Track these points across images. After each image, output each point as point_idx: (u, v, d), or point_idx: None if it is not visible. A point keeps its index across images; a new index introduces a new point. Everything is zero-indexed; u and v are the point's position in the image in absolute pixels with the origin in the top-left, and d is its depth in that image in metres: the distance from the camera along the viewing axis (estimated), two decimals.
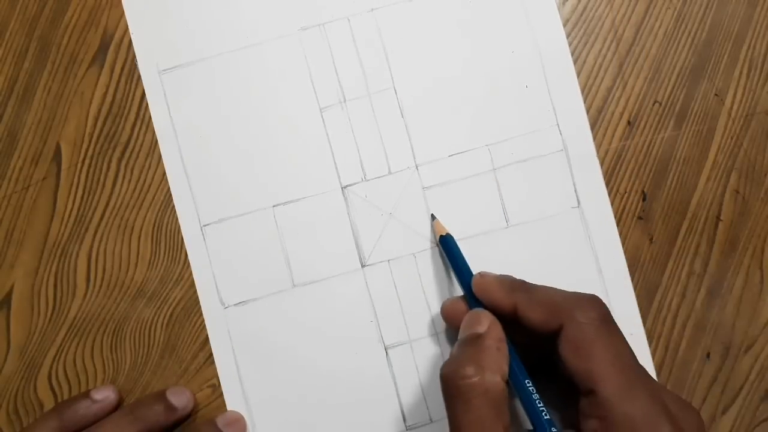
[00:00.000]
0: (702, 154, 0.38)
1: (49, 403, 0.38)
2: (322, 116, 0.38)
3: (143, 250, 0.38)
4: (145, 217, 0.38)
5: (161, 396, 0.37)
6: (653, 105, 0.38)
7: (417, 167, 0.38)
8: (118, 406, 0.37)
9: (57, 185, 0.38)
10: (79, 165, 0.38)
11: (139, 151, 0.38)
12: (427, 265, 0.38)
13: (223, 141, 0.38)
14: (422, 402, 0.37)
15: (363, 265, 0.38)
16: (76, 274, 0.38)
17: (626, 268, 0.38)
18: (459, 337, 0.33)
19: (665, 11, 0.38)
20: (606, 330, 0.31)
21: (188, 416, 0.37)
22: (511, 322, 0.32)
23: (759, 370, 0.38)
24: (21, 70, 0.38)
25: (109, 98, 0.38)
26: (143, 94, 0.38)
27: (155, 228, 0.38)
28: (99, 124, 0.38)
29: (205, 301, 0.38)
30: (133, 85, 0.38)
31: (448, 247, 0.36)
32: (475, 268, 0.36)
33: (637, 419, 0.28)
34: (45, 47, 0.39)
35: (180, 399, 0.37)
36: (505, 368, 0.31)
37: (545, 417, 0.31)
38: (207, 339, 0.38)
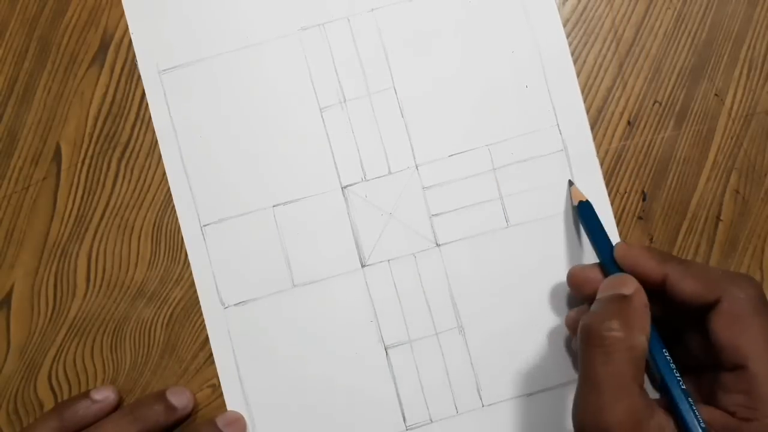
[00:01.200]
0: (702, 154, 0.38)
1: (49, 403, 0.38)
2: (322, 116, 0.38)
3: (143, 250, 0.38)
4: (145, 217, 0.38)
5: (161, 396, 0.37)
6: (653, 105, 0.38)
7: (417, 167, 0.38)
8: (117, 406, 0.37)
9: (57, 185, 0.38)
10: (79, 165, 0.38)
11: (139, 151, 0.38)
12: (426, 265, 0.38)
13: (223, 141, 0.38)
14: (422, 402, 0.37)
15: (363, 265, 0.38)
16: (76, 274, 0.38)
17: None
18: (599, 297, 0.32)
19: (665, 11, 0.38)
20: (763, 308, 0.31)
21: (188, 416, 0.37)
22: (652, 293, 0.32)
23: None
24: (21, 70, 0.38)
25: (109, 98, 0.38)
26: (143, 94, 0.38)
27: (155, 228, 0.38)
28: (99, 124, 0.38)
29: (205, 301, 0.38)
30: (133, 85, 0.38)
31: (586, 215, 0.36)
32: (477, 269, 0.36)
33: None
34: (45, 47, 0.39)
35: (180, 399, 0.37)
36: (649, 330, 0.31)
37: (682, 387, 0.31)
38: (207, 339, 0.38)
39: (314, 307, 0.37)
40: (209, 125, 0.38)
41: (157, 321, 0.38)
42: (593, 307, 0.32)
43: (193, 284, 0.38)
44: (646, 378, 0.32)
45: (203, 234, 0.38)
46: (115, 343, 0.38)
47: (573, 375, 0.37)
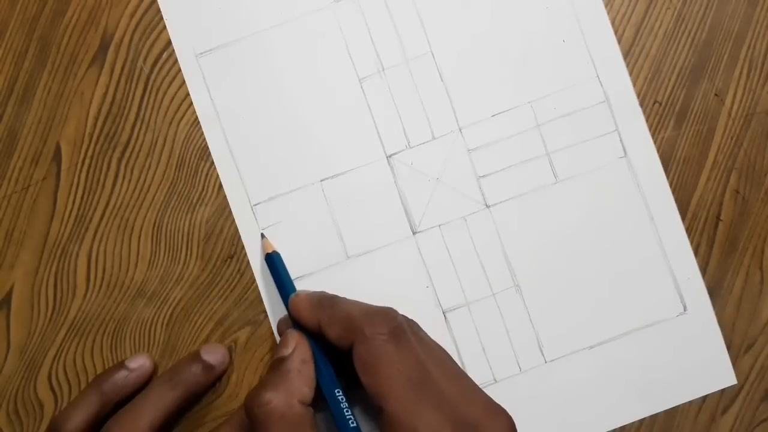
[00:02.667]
0: (702, 154, 0.38)
1: (49, 404, 0.38)
2: (361, 87, 0.38)
3: (143, 250, 0.38)
4: (145, 217, 0.38)
5: (197, 357, 0.37)
6: (653, 105, 0.38)
7: (461, 130, 0.38)
8: (154, 372, 0.37)
9: (57, 185, 0.38)
10: (79, 165, 0.38)
11: (139, 151, 0.38)
12: (477, 227, 0.38)
13: (266, 120, 0.38)
14: (485, 362, 0.37)
15: (414, 232, 0.38)
16: (76, 274, 0.38)
17: (677, 211, 0.38)
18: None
19: (665, 11, 0.38)
20: (393, 344, 0.31)
21: (224, 372, 0.37)
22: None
23: (759, 370, 0.38)
24: (21, 70, 0.38)
25: (109, 98, 0.38)
26: (143, 94, 0.38)
27: (155, 228, 0.38)
28: (99, 124, 0.38)
29: (261, 279, 0.38)
30: (133, 85, 0.38)
31: (272, 266, 0.37)
32: (528, 227, 0.37)
33: None
34: (45, 47, 0.39)
35: (215, 356, 0.37)
36: (305, 390, 0.32)
37: (352, 425, 0.31)
38: (206, 340, 0.38)
39: (369, 277, 0.38)
40: (250, 105, 0.38)
41: (157, 321, 0.38)
42: None
43: (192, 284, 0.38)
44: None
45: (254, 213, 0.38)
46: (115, 343, 0.38)
47: (632, 324, 0.37)
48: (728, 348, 0.38)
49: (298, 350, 0.33)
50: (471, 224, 0.38)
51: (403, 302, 0.38)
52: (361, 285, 0.38)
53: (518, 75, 0.38)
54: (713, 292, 0.38)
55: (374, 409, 0.31)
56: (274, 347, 0.37)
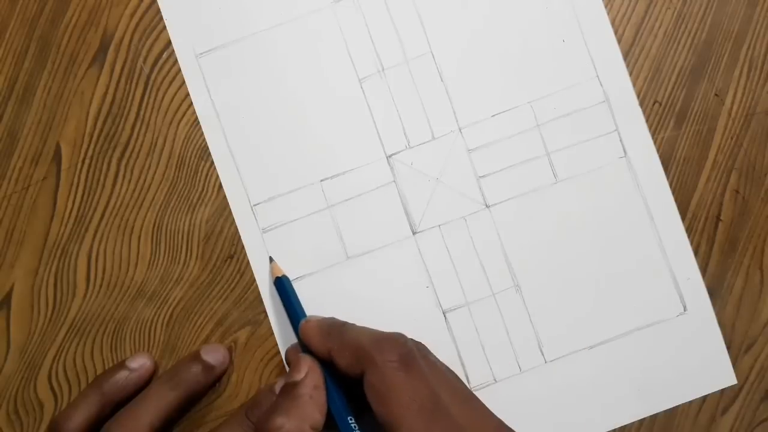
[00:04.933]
0: (702, 154, 0.38)
1: (49, 404, 0.38)
2: (361, 87, 0.38)
3: (143, 250, 0.38)
4: (145, 217, 0.38)
5: (197, 357, 0.37)
6: (653, 105, 0.38)
7: (460, 130, 0.38)
8: (155, 372, 0.37)
9: (57, 185, 0.38)
10: (79, 165, 0.38)
11: (139, 151, 0.38)
12: (477, 226, 0.38)
13: (266, 120, 0.38)
14: (485, 362, 0.37)
15: (414, 232, 0.38)
16: (76, 274, 0.38)
17: (677, 211, 0.38)
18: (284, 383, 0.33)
19: (665, 11, 0.38)
20: (404, 372, 0.31)
21: (225, 372, 0.37)
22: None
23: (759, 370, 0.38)
24: (21, 70, 0.38)
25: (109, 98, 0.38)
26: (143, 94, 0.38)
27: (155, 228, 0.38)
28: (99, 124, 0.38)
29: (261, 279, 0.38)
30: (133, 85, 0.38)
31: (281, 290, 0.37)
32: (528, 227, 0.37)
33: None
34: (45, 47, 0.38)
35: (215, 356, 0.37)
36: (317, 416, 0.31)
37: None
38: (206, 340, 0.38)
39: (369, 277, 0.38)
40: (250, 105, 0.38)
41: (157, 321, 0.38)
42: None
43: (192, 284, 0.38)
44: None
45: (254, 213, 0.38)
46: (115, 343, 0.38)
47: (632, 324, 0.38)
48: (728, 348, 0.38)
49: (310, 376, 0.33)
50: (471, 224, 0.38)
51: (403, 302, 0.38)
52: (361, 285, 0.38)
53: (518, 75, 0.38)
54: (713, 292, 0.38)
55: None
56: (284, 373, 0.36)
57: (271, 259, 0.38)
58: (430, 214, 0.38)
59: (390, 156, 0.38)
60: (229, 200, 0.38)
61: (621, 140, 0.38)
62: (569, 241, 0.38)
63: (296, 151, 0.38)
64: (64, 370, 0.38)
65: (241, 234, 0.38)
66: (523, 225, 0.38)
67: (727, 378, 0.38)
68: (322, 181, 0.38)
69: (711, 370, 0.38)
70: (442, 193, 0.38)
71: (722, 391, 0.38)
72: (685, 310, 0.38)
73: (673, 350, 0.38)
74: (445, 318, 0.38)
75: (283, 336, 0.38)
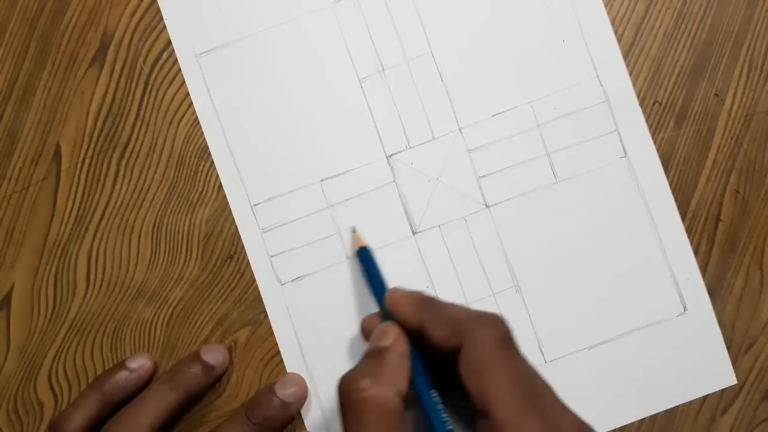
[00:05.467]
0: (702, 154, 0.38)
1: (49, 404, 0.38)
2: (361, 87, 0.38)
3: (143, 250, 0.38)
4: (145, 217, 0.38)
5: (197, 357, 0.37)
6: (653, 105, 0.38)
7: (460, 130, 0.38)
8: (155, 372, 0.37)
9: (57, 185, 0.38)
10: (79, 165, 0.38)
11: (139, 151, 0.38)
12: (477, 227, 0.38)
13: (266, 120, 0.38)
14: None
15: (414, 232, 0.38)
16: (76, 274, 0.38)
17: (677, 211, 0.38)
18: (366, 350, 0.32)
19: (665, 11, 0.38)
20: (503, 350, 0.30)
21: (224, 373, 0.37)
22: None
23: (759, 370, 0.38)
24: (21, 70, 0.38)
25: (109, 98, 0.38)
26: (143, 94, 0.38)
27: (155, 228, 0.38)
28: (99, 124, 0.38)
29: (261, 279, 0.38)
30: (133, 85, 0.38)
31: (365, 260, 0.36)
32: (528, 227, 0.37)
33: None
34: (45, 47, 0.38)
35: (215, 356, 0.37)
36: (403, 384, 0.31)
37: (447, 428, 0.30)
38: (206, 340, 0.38)
39: None
40: (250, 105, 0.38)
41: (157, 321, 0.38)
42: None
43: (192, 284, 0.38)
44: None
45: (254, 213, 0.38)
46: (115, 343, 0.38)
47: (632, 324, 0.38)
48: (728, 348, 0.38)
49: (397, 343, 0.32)
50: (471, 224, 0.38)
51: None
52: (361, 285, 0.38)
53: (518, 75, 0.38)
54: (713, 292, 0.38)
55: (477, 415, 0.29)
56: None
57: (354, 230, 0.38)
58: (430, 214, 0.38)
59: (390, 156, 0.38)
60: (229, 200, 0.38)
61: (621, 140, 0.38)
62: (569, 241, 0.38)
63: (296, 151, 0.38)
64: (64, 370, 0.38)
65: (241, 234, 0.38)
66: (523, 225, 0.38)
67: (727, 378, 0.38)
68: (322, 181, 0.38)
69: (711, 370, 0.38)
70: (442, 193, 0.38)
71: (722, 391, 0.38)
72: (685, 310, 0.38)
73: (673, 350, 0.38)
74: None
75: (283, 336, 0.38)
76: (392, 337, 0.32)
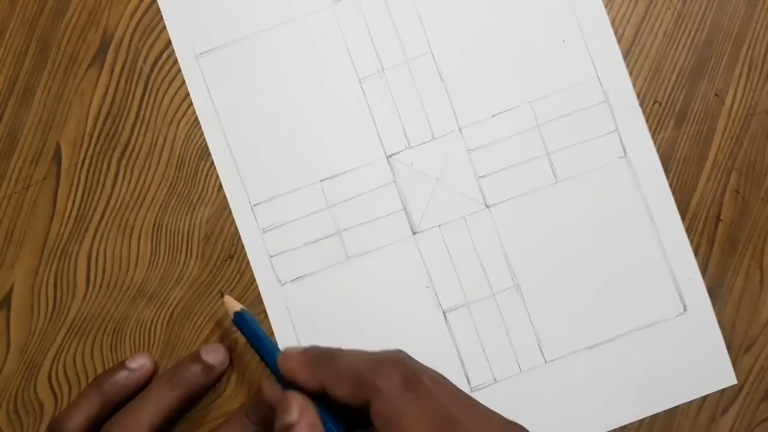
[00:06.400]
0: (702, 154, 0.38)
1: (49, 404, 0.38)
2: (361, 87, 0.38)
3: (143, 250, 0.38)
4: (145, 217, 0.38)
5: (197, 357, 0.37)
6: (653, 105, 0.38)
7: (460, 130, 0.38)
8: (155, 372, 0.37)
9: (57, 185, 0.38)
10: (79, 165, 0.38)
11: (139, 151, 0.38)
12: (477, 227, 0.38)
13: (266, 120, 0.38)
14: (485, 362, 0.37)
15: (414, 232, 0.38)
16: (76, 274, 0.38)
17: (677, 211, 0.38)
18: (274, 426, 0.31)
19: (665, 11, 0.38)
20: (411, 394, 0.29)
21: (224, 373, 0.37)
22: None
23: (759, 370, 0.38)
24: (21, 70, 0.38)
25: (109, 98, 0.38)
26: (143, 94, 0.38)
27: (155, 228, 0.38)
28: (99, 124, 0.38)
29: (261, 279, 0.38)
30: (133, 85, 0.38)
31: (245, 325, 0.34)
32: (528, 227, 0.37)
33: None
34: (45, 47, 0.39)
35: (215, 356, 0.37)
36: None
37: None
38: (206, 340, 0.38)
39: (369, 277, 0.38)
40: (250, 105, 0.38)
41: (157, 321, 0.38)
42: None
43: (192, 284, 0.38)
44: None
45: (254, 213, 0.38)
46: (115, 343, 0.38)
47: (632, 324, 0.38)
48: (728, 348, 0.38)
49: (304, 415, 0.30)
50: (471, 224, 0.38)
51: (403, 302, 0.38)
52: (361, 285, 0.38)
53: (518, 75, 0.38)
54: (713, 292, 0.38)
55: None
56: (277, 409, 0.33)
57: (221, 294, 0.37)
58: (430, 214, 0.38)
59: (390, 156, 0.38)
60: (229, 200, 0.38)
61: (621, 140, 0.38)
62: (569, 241, 0.38)
63: (296, 151, 0.38)
64: (64, 370, 0.38)
65: (241, 234, 0.38)
66: (523, 225, 0.38)
67: (727, 378, 0.38)
68: (322, 181, 0.38)
69: (711, 370, 0.38)
70: (442, 193, 0.38)
71: (722, 391, 0.38)
72: (685, 310, 0.38)
73: (673, 350, 0.38)
74: (445, 318, 0.38)
75: (283, 336, 0.38)
76: (297, 409, 0.30)
